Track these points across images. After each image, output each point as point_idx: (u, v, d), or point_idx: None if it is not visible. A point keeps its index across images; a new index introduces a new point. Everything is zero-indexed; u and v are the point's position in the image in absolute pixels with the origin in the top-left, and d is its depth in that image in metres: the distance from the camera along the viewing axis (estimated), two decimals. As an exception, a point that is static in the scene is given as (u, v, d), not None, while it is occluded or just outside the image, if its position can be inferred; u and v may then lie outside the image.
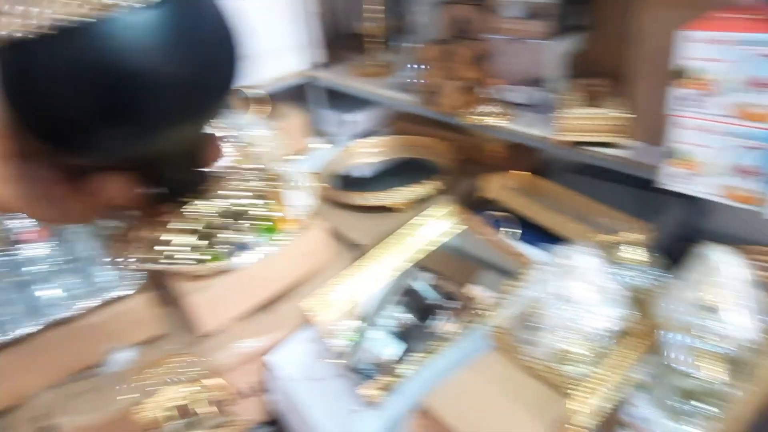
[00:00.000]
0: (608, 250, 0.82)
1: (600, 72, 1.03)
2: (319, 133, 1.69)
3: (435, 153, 1.48)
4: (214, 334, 1.03)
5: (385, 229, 1.20)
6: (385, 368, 0.92)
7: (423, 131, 1.50)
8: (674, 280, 0.66)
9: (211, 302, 1.00)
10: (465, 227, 1.12)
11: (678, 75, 0.68)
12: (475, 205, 1.27)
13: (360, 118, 1.61)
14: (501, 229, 1.05)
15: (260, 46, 1.46)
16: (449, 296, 1.01)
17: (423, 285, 1.06)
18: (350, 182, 1.50)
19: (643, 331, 0.72)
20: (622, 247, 0.80)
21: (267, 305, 1.09)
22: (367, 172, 1.53)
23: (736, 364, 0.64)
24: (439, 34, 1.24)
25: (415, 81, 1.23)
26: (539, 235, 1.07)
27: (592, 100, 0.95)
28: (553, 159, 1.37)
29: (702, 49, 0.64)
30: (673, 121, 0.71)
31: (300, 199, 1.23)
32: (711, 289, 0.62)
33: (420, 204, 1.26)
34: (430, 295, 1.04)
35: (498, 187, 1.21)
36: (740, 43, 0.60)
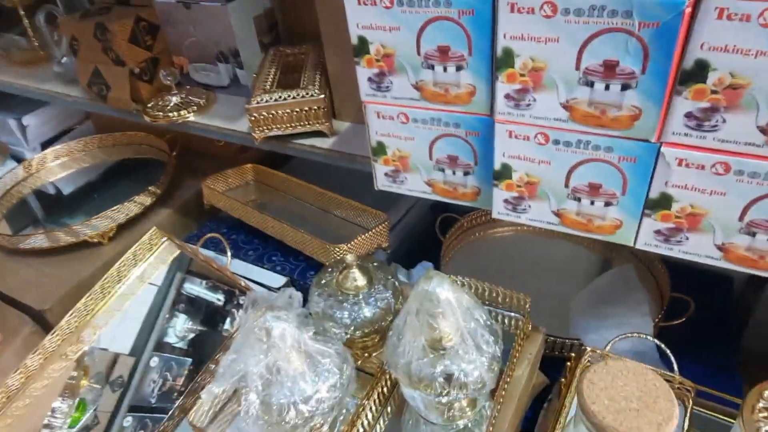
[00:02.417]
0: (336, 274, 0.64)
1: (302, 38, 0.83)
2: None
3: (150, 150, 1.17)
4: None
5: (81, 278, 0.88)
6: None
7: (131, 123, 1.17)
8: (399, 316, 0.52)
9: None
10: (176, 256, 0.86)
11: (357, 48, 0.51)
12: (200, 214, 1.01)
13: (38, 120, 1.21)
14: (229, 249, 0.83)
15: None
16: (232, 292, 0.78)
17: (199, 289, 0.82)
18: (44, 204, 1.13)
19: (384, 381, 0.58)
20: (352, 271, 0.62)
21: None
22: (65, 189, 1.16)
23: (476, 403, 0.53)
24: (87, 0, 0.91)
25: (73, 68, 0.90)
26: (271, 247, 0.87)
27: (291, 75, 0.75)
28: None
29: (371, 13, 0.46)
30: (366, 108, 0.54)
31: None
32: (434, 327, 0.48)
33: (133, 225, 0.96)
34: (213, 297, 0.81)
35: (223, 188, 0.97)
36: (407, 4, 0.44)
